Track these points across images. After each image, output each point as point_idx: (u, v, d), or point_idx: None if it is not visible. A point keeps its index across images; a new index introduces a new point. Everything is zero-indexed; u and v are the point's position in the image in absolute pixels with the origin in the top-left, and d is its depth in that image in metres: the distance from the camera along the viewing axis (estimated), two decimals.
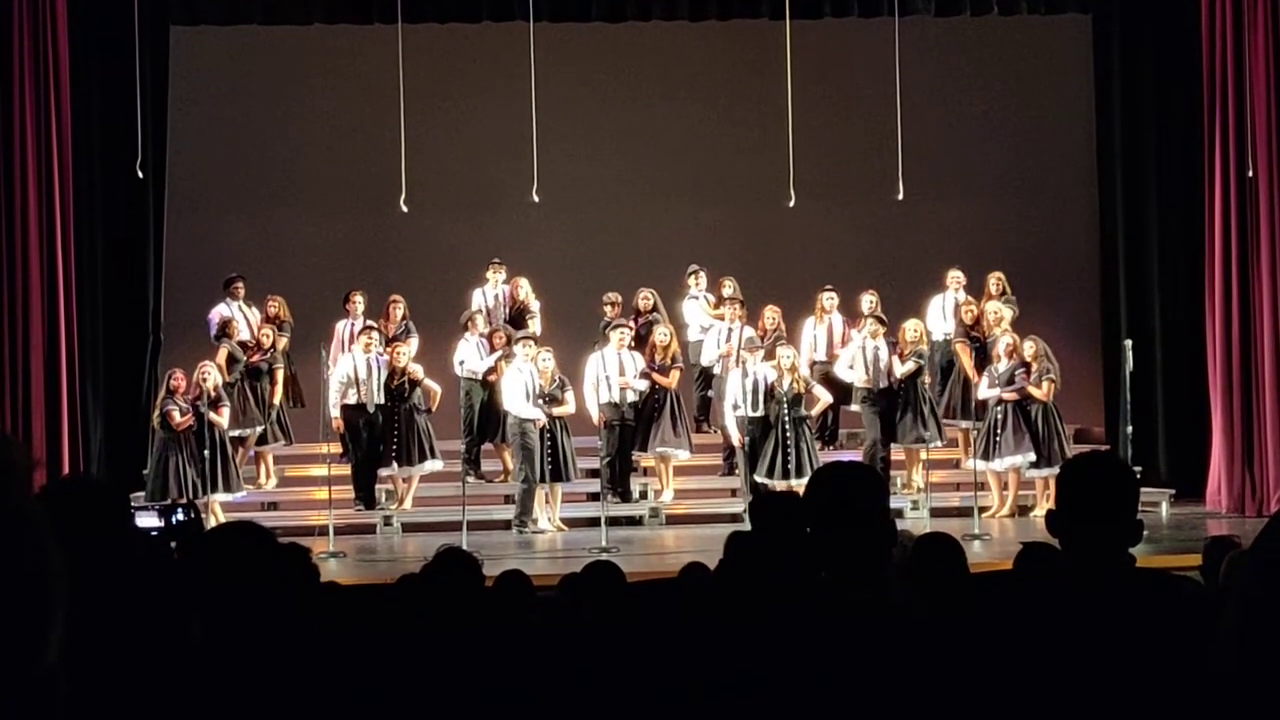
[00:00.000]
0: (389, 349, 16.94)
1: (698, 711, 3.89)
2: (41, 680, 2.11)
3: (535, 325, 17.74)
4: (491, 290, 18.19)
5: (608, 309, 17.76)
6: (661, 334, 17.19)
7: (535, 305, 18.04)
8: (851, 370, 16.90)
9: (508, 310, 18.07)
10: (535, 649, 5.27)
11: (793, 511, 4.78)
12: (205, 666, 3.53)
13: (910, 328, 16.85)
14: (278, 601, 3.79)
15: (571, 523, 16.39)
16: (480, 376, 17.16)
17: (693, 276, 18.29)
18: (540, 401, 16.14)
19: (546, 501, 16.30)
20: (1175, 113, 18.00)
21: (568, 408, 16.39)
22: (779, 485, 15.97)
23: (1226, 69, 16.73)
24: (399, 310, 17.83)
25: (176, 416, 15.78)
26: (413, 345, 17.31)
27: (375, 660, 4.56)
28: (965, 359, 17.16)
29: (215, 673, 3.55)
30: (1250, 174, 16.54)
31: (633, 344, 17.10)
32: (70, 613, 2.14)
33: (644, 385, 16.84)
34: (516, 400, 16.23)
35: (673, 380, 17.02)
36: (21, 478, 2.16)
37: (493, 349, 17.25)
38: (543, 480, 16.17)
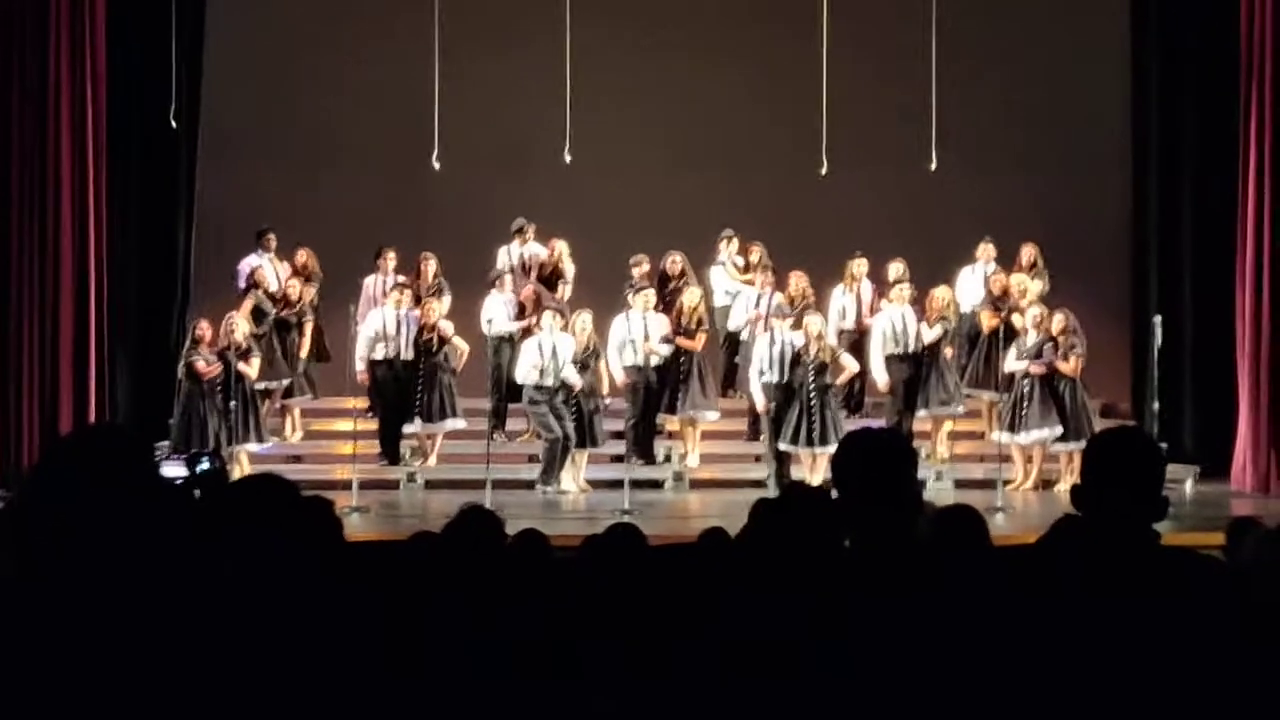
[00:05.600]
0: (421, 305, 16.94)
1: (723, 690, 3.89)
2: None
3: (567, 291, 17.68)
4: (518, 248, 18.15)
5: (635, 271, 17.70)
6: (691, 296, 17.13)
7: (570, 270, 17.96)
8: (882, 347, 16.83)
9: (535, 270, 18.01)
10: (555, 613, 5.27)
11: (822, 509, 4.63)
12: (228, 617, 3.55)
13: (940, 295, 16.80)
14: (299, 553, 3.80)
15: (595, 484, 16.42)
16: (508, 335, 17.10)
17: (724, 241, 18.24)
18: (579, 366, 16.11)
19: (572, 462, 16.29)
20: (1211, 89, 17.87)
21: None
22: (803, 452, 15.98)
23: (1264, 46, 16.62)
24: (430, 267, 17.79)
25: (201, 365, 15.79)
26: (445, 302, 17.30)
27: (394, 615, 4.57)
28: (988, 325, 17.05)
29: (238, 623, 3.57)
30: None
31: (658, 306, 17.09)
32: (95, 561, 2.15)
33: (668, 349, 16.82)
34: (527, 371, 16.18)
35: (698, 343, 16.98)
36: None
37: (521, 308, 17.21)
38: (569, 445, 16.17)
